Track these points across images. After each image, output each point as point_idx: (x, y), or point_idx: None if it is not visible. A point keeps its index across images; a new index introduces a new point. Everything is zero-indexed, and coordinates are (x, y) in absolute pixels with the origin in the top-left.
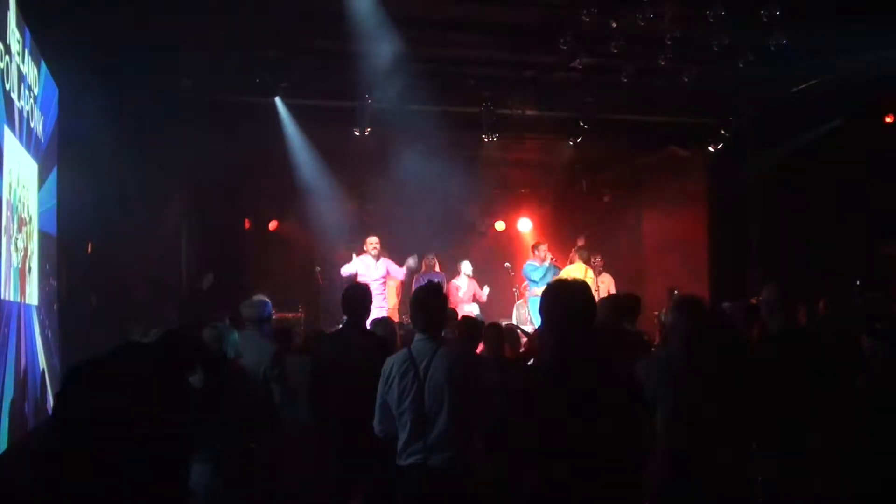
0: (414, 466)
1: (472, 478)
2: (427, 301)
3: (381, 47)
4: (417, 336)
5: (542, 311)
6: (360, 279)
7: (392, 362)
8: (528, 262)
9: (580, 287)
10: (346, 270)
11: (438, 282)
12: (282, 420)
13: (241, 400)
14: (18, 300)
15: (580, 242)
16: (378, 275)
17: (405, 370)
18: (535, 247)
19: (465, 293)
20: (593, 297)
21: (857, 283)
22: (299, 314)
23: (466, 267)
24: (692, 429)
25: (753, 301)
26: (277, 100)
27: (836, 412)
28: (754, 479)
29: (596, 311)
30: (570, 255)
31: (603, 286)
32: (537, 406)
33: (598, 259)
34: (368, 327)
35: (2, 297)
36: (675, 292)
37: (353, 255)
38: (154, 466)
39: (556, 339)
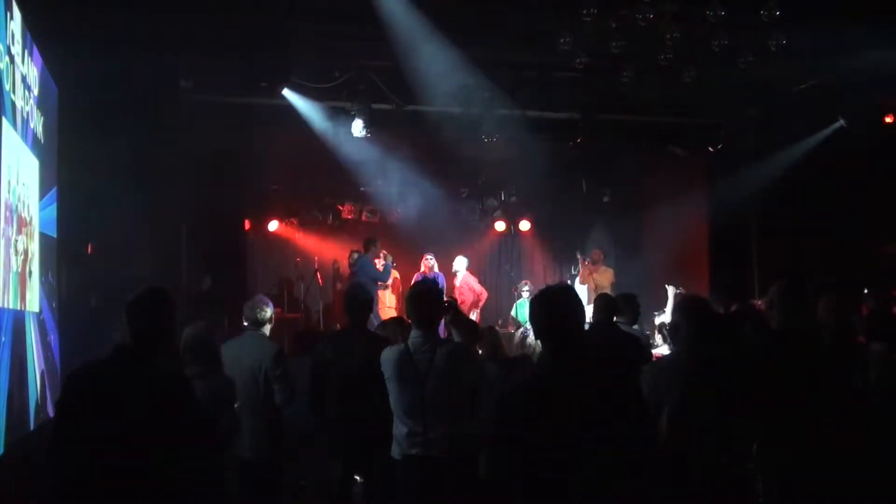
0: (416, 458)
1: (474, 469)
2: (422, 297)
3: (380, 47)
4: (414, 332)
5: (530, 319)
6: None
7: (388, 358)
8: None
9: (562, 291)
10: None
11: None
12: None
13: None
14: (18, 307)
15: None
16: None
17: (403, 366)
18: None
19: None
20: (578, 301)
21: (858, 283)
22: (298, 315)
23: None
24: (694, 429)
25: (758, 302)
26: (286, 91)
27: (837, 413)
28: (755, 479)
29: (583, 315)
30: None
31: (600, 281)
32: (523, 409)
33: (597, 254)
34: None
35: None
36: (680, 290)
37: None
38: (152, 467)
39: (545, 345)
